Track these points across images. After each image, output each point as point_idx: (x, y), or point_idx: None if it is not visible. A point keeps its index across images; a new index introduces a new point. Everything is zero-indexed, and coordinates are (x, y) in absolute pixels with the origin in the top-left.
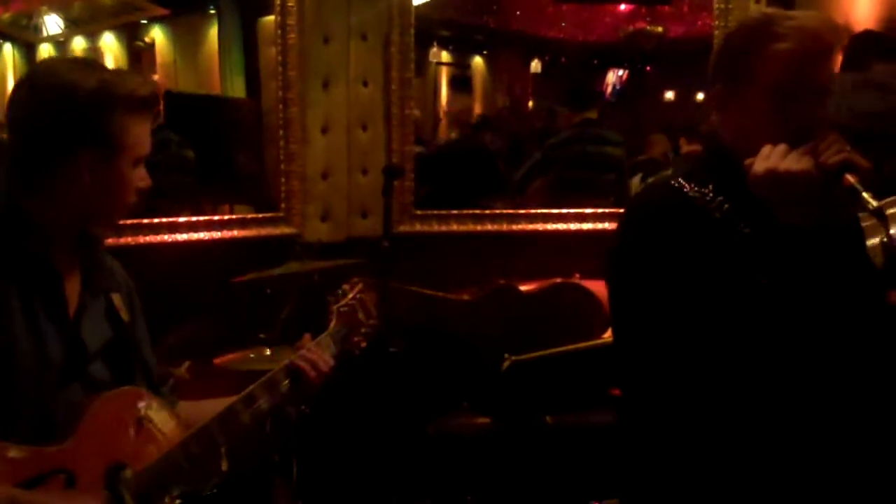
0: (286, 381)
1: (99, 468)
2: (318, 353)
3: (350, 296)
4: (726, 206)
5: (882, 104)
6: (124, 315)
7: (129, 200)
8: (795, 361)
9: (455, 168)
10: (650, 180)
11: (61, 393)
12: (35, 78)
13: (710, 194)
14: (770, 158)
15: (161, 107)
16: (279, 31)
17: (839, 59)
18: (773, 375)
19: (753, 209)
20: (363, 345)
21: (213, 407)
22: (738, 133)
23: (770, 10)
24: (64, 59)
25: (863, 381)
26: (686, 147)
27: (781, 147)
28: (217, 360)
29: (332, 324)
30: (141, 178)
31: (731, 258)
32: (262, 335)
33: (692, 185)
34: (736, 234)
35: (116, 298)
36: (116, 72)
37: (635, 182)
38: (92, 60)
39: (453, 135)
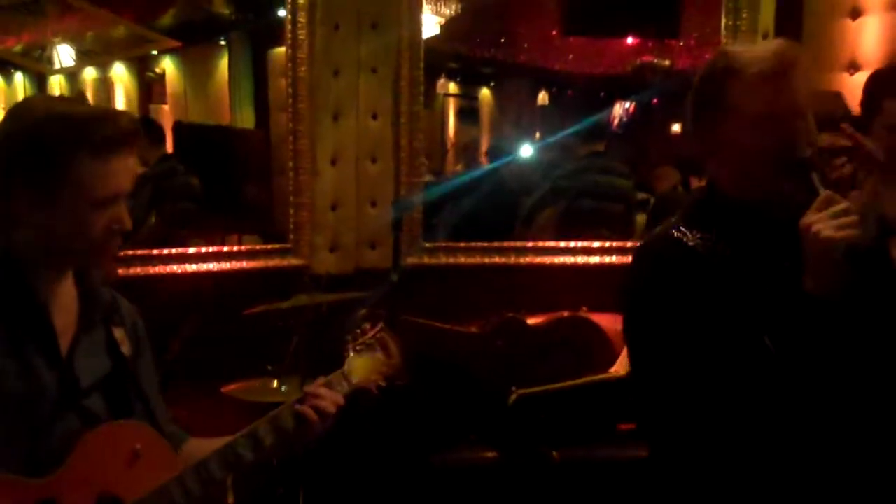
0: (291, 423)
1: (89, 499)
2: (327, 395)
3: (370, 334)
4: (728, 251)
5: None
6: (125, 349)
7: (92, 241)
8: (803, 415)
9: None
10: (657, 230)
11: (55, 427)
12: (10, 110)
13: (712, 239)
14: (819, 220)
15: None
16: (290, 64)
17: (804, 79)
18: (781, 426)
19: (756, 256)
20: (382, 384)
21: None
22: (732, 173)
23: (728, 47)
24: (45, 95)
25: (874, 429)
26: (697, 183)
27: (837, 208)
28: (224, 389)
29: (347, 362)
30: (114, 219)
31: (732, 312)
32: (269, 367)
33: (694, 233)
34: (737, 286)
35: (118, 332)
36: (87, 108)
37: (640, 219)
38: (72, 98)
39: (459, 167)
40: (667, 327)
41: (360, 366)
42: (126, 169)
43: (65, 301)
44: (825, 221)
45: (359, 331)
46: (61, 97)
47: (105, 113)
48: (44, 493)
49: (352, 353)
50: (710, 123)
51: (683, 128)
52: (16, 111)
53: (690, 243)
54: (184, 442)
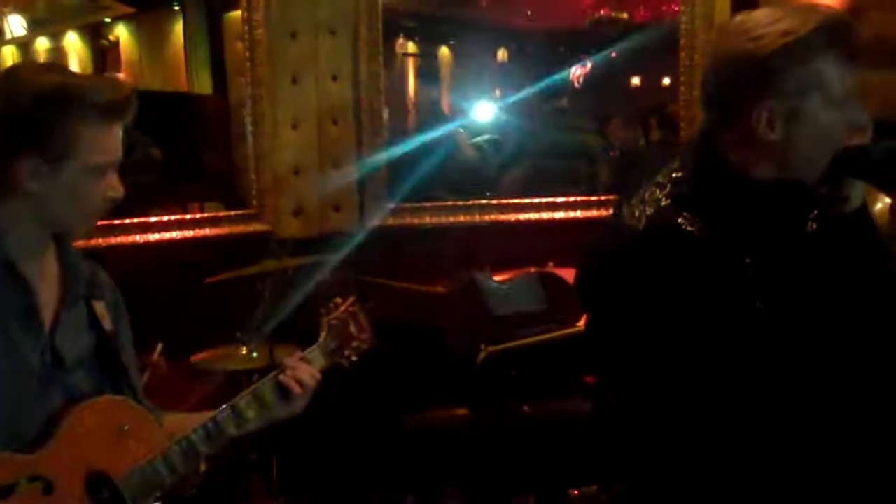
0: (272, 396)
1: (78, 476)
2: (305, 368)
3: (342, 308)
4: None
5: None
6: (107, 324)
7: (90, 209)
8: (792, 395)
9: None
10: (656, 215)
11: (39, 402)
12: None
13: (707, 222)
14: None
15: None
16: (246, 27)
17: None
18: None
19: (758, 236)
20: (354, 358)
21: (200, 420)
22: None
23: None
24: (33, 63)
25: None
26: (656, 132)
27: None
28: (194, 358)
29: (322, 336)
30: (110, 186)
31: (730, 290)
32: (238, 334)
33: (692, 216)
34: (736, 265)
35: (99, 307)
36: (80, 76)
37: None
38: (61, 66)
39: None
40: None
41: (334, 339)
42: (120, 136)
43: (47, 276)
44: None
45: (332, 305)
46: (49, 65)
47: (101, 81)
48: (32, 470)
49: (325, 328)
50: (760, 105)
51: (643, 80)
52: (7, 83)
53: (689, 228)
54: (161, 418)
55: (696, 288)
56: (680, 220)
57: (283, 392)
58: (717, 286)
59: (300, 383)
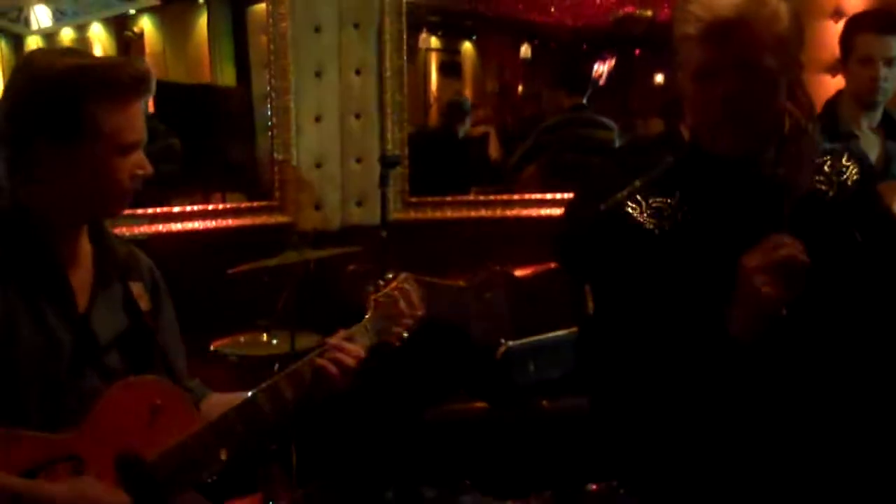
0: (310, 376)
1: (109, 456)
2: (345, 347)
3: (393, 285)
4: (690, 217)
5: None
6: (144, 304)
7: (119, 188)
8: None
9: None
10: (613, 199)
11: (74, 383)
12: (18, 67)
13: (672, 205)
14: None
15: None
16: (270, 20)
17: (772, 36)
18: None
19: (720, 214)
20: (404, 336)
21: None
22: (691, 121)
23: None
24: (51, 48)
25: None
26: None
27: (780, 255)
28: (215, 344)
29: (368, 314)
30: (137, 164)
31: (679, 287)
32: (259, 321)
33: (651, 202)
34: (687, 260)
35: (136, 287)
36: (97, 58)
37: None
38: (78, 49)
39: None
40: (611, 300)
41: (381, 318)
42: (142, 115)
43: (81, 258)
44: (767, 274)
45: (381, 282)
46: (66, 49)
47: (117, 60)
48: (66, 450)
49: (372, 306)
50: (674, 67)
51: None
52: (27, 68)
53: (640, 219)
54: (204, 397)
55: (634, 278)
56: (631, 204)
57: (321, 373)
58: (656, 277)
59: (339, 364)
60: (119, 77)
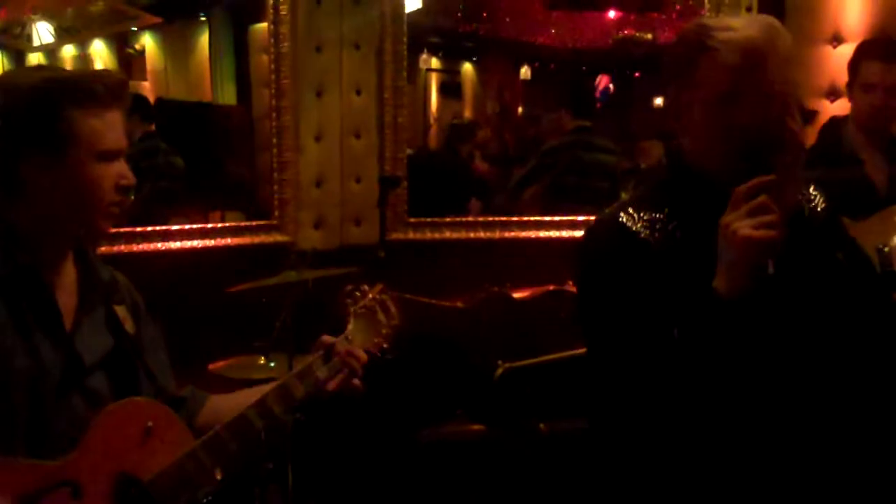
0: (300, 389)
1: (106, 479)
2: (356, 353)
3: (370, 296)
4: (679, 233)
5: None
6: (129, 327)
7: (103, 198)
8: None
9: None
10: (606, 211)
11: (60, 405)
12: None
13: (662, 220)
14: (736, 218)
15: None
16: (272, 40)
17: (785, 61)
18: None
19: (709, 238)
20: (385, 346)
21: (242, 399)
22: (693, 143)
23: (706, 19)
24: (23, 67)
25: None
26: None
27: (754, 204)
28: (211, 367)
29: (350, 325)
30: (120, 174)
31: (666, 300)
32: (256, 343)
33: (642, 214)
34: (677, 273)
35: (120, 310)
36: (71, 71)
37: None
38: (51, 66)
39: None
40: (608, 313)
41: (363, 329)
42: (121, 124)
43: (66, 280)
44: (742, 220)
45: (358, 293)
46: (39, 66)
47: (92, 71)
48: (63, 476)
49: (352, 317)
50: (679, 95)
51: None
52: (3, 84)
53: (634, 228)
54: (205, 402)
55: (629, 287)
56: (624, 215)
57: (346, 386)
58: (650, 287)
59: (355, 372)
60: (94, 85)
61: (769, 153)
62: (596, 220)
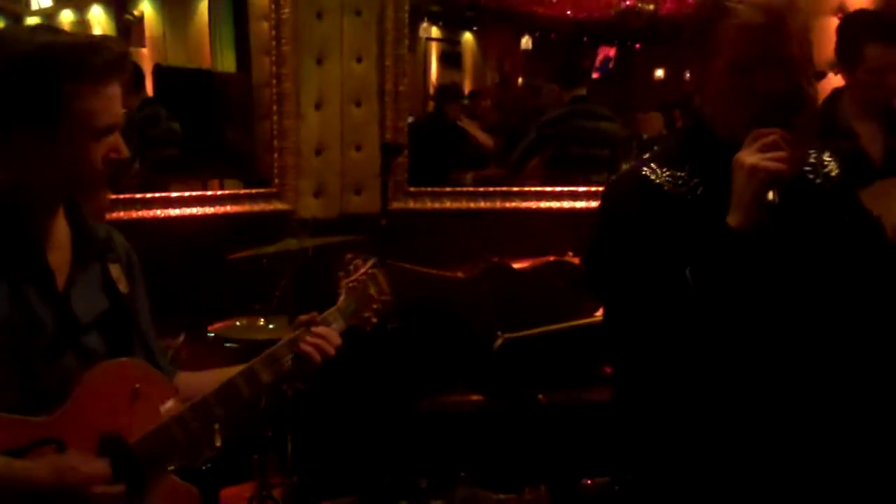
0: (288, 358)
1: (91, 438)
2: (324, 332)
3: (361, 271)
4: (700, 189)
5: None
6: (122, 286)
7: (93, 171)
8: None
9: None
10: (624, 166)
11: (53, 364)
12: None
13: (684, 178)
14: (748, 153)
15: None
16: (272, 6)
17: (804, 24)
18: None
19: (726, 195)
20: (374, 320)
21: (212, 378)
22: (713, 109)
23: None
24: (23, 25)
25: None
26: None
27: (767, 140)
28: (211, 328)
29: (341, 299)
30: (112, 147)
31: (697, 246)
32: (256, 306)
33: (664, 170)
34: (699, 223)
35: (114, 269)
36: (71, 35)
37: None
38: (50, 26)
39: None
40: (627, 257)
41: (353, 303)
42: (118, 97)
43: (59, 238)
44: (754, 154)
45: (351, 268)
46: (38, 26)
47: (93, 39)
48: (46, 432)
49: (344, 291)
50: (699, 57)
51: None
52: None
53: (657, 181)
54: (173, 377)
55: (652, 235)
56: (646, 169)
57: (300, 357)
58: (673, 237)
59: (319, 349)
60: (95, 57)
61: (787, 117)
62: (617, 175)
